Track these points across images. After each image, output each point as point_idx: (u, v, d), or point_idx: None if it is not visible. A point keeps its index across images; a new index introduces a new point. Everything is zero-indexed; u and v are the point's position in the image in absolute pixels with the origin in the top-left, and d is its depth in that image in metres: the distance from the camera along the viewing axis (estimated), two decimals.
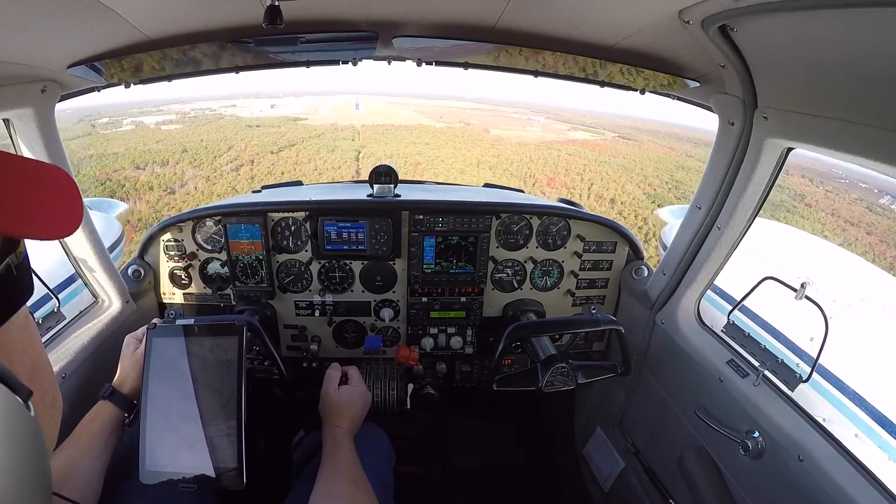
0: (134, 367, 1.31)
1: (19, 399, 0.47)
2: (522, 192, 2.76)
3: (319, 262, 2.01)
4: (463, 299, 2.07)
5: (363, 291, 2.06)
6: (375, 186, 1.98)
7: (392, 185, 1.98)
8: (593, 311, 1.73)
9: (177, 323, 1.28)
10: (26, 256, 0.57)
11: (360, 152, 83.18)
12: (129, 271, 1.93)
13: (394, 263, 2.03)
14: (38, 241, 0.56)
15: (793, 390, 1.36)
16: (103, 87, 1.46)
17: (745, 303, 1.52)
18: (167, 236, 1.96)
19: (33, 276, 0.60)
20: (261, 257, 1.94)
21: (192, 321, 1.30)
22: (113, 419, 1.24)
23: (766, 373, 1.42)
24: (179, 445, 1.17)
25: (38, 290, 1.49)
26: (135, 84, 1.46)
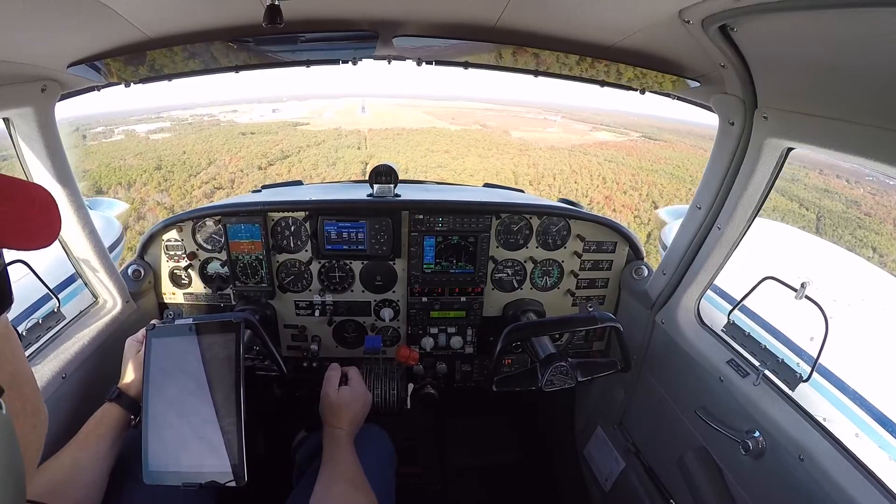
0: (137, 370, 1.32)
1: None
2: (522, 191, 2.77)
3: (319, 262, 2.01)
4: (463, 299, 2.07)
5: (363, 291, 2.06)
6: (375, 186, 1.98)
7: (392, 185, 1.98)
8: (590, 309, 1.73)
9: (175, 322, 1.28)
10: (4, 268, 0.59)
11: (367, 164, 70.92)
12: (129, 271, 1.93)
13: (394, 263, 2.03)
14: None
15: (793, 390, 1.36)
16: (103, 87, 1.46)
17: (745, 302, 1.52)
18: (167, 236, 1.96)
19: (11, 286, 0.62)
20: (261, 257, 1.94)
21: (189, 320, 1.30)
22: (119, 421, 1.25)
23: (767, 372, 1.42)
24: (181, 444, 1.17)
25: (38, 290, 1.50)
26: (135, 83, 1.46)
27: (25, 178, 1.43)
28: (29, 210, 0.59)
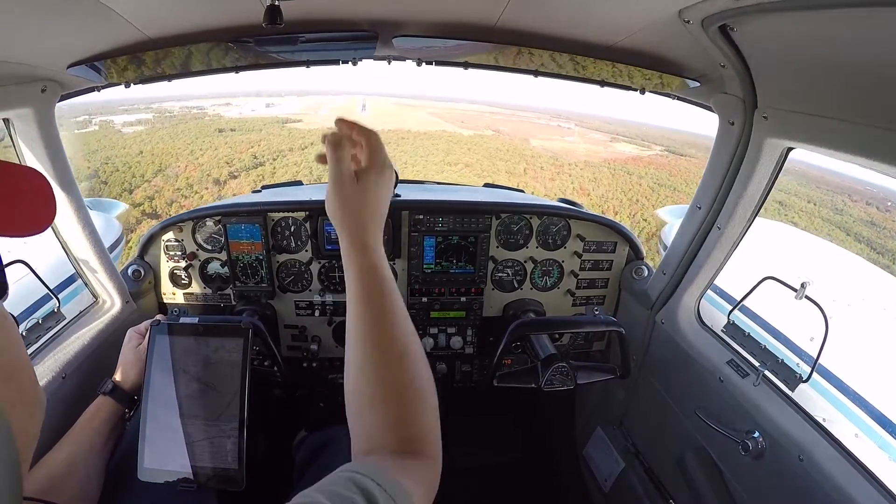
0: (135, 363, 1.30)
1: None
2: (522, 191, 2.77)
3: (319, 262, 2.01)
4: (463, 299, 2.07)
5: None
6: None
7: None
8: (596, 312, 1.74)
9: (181, 321, 1.27)
10: None
11: None
12: (129, 271, 1.93)
13: (394, 263, 2.03)
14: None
15: (793, 390, 1.36)
16: (103, 87, 1.46)
17: (746, 303, 1.52)
18: (167, 236, 1.96)
19: (6, 276, 0.60)
20: (261, 257, 1.94)
21: (196, 320, 1.29)
22: (113, 415, 1.24)
23: (767, 373, 1.42)
24: (179, 444, 1.17)
25: (38, 290, 1.50)
26: (135, 84, 1.46)
27: None
28: (21, 192, 0.56)
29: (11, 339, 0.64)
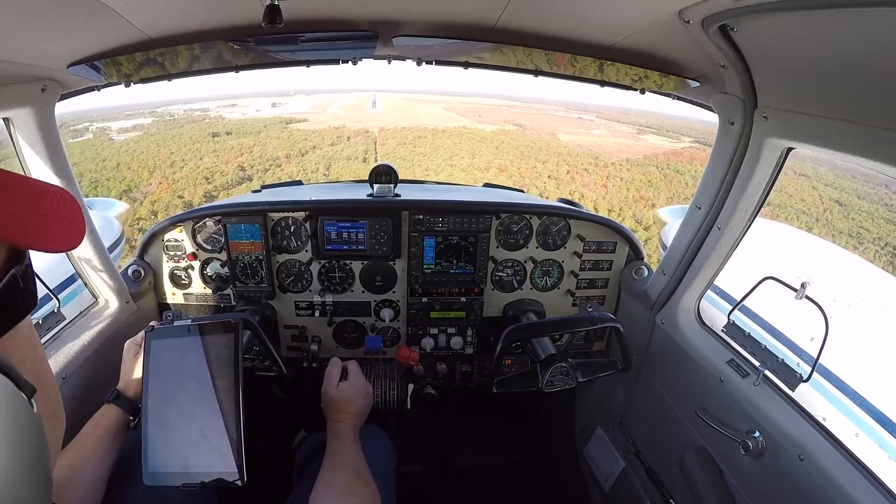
0: (136, 371, 1.32)
1: (23, 395, 0.49)
2: (522, 191, 2.77)
3: (319, 263, 2.01)
4: (463, 299, 2.07)
5: (363, 291, 2.06)
6: (375, 186, 1.98)
7: (392, 185, 1.98)
8: (589, 309, 1.73)
9: (174, 324, 1.28)
10: (31, 268, 0.60)
11: None
12: (129, 271, 1.93)
13: (394, 263, 2.03)
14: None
15: (793, 390, 1.36)
16: (103, 87, 1.46)
17: (746, 303, 1.52)
18: (167, 236, 1.96)
19: (37, 288, 0.63)
20: (261, 257, 1.94)
21: (188, 321, 1.30)
22: (117, 422, 1.25)
23: (767, 372, 1.42)
24: (180, 445, 1.17)
25: (38, 291, 1.50)
26: (134, 83, 1.46)
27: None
28: (57, 211, 0.61)
29: (38, 351, 0.66)
